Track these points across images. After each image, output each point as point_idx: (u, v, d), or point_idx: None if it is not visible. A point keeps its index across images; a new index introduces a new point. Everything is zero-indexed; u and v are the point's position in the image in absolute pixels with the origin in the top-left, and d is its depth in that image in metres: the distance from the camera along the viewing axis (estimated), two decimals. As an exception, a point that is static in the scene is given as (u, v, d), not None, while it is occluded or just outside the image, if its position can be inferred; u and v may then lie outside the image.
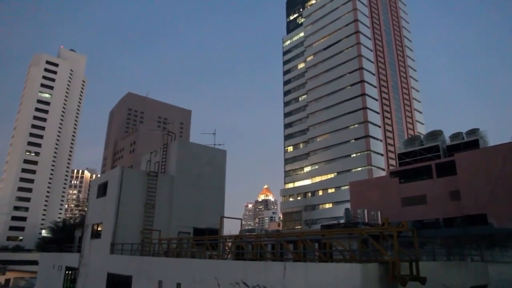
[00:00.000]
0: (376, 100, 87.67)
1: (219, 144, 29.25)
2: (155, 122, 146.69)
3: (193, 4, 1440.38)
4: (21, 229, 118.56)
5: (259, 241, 14.65)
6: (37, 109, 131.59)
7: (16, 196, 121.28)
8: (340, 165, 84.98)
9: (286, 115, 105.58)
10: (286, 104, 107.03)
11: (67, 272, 29.08)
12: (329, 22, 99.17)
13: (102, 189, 25.39)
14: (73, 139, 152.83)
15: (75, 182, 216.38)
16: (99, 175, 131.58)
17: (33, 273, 61.93)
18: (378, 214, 42.56)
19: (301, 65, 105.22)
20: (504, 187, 37.44)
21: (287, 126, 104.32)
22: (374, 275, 9.57)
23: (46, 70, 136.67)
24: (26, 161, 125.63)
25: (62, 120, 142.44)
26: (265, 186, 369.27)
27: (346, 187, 68.02)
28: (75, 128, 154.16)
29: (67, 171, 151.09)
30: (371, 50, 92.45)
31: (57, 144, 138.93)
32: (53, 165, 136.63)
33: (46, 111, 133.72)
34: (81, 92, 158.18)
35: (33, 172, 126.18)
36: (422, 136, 58.17)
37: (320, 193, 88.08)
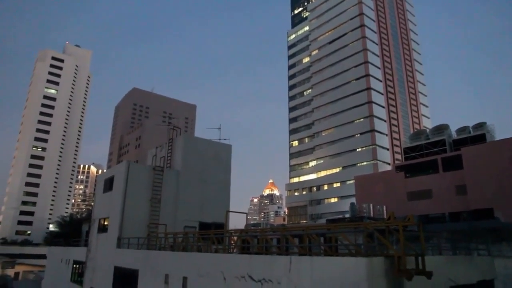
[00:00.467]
0: (382, 94, 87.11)
1: (224, 139, 29.24)
2: (160, 117, 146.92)
3: (198, 0, 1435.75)
4: (29, 223, 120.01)
5: (265, 235, 14.68)
6: (43, 105, 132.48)
7: (24, 191, 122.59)
8: (345, 159, 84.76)
9: (291, 109, 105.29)
10: (291, 98, 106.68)
11: (74, 265, 29.40)
12: (334, 15, 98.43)
13: (109, 184, 25.54)
14: (79, 134, 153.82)
15: (82, 177, 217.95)
16: (105, 170, 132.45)
17: (41, 266, 62.75)
18: (384, 209, 42.39)
19: (306, 59, 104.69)
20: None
21: (292, 120, 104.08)
22: (379, 269, 9.56)
23: (51, 66, 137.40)
24: (33, 157, 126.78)
25: (68, 115, 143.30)
26: (270, 181, 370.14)
27: (352, 181, 67.86)
28: (81, 124, 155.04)
29: (73, 166, 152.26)
30: (377, 44, 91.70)
31: (63, 140, 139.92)
32: (59, 160, 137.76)
33: (52, 107, 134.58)
34: (87, 87, 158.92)
35: (40, 167, 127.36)
36: (428, 130, 57.81)
37: (326, 187, 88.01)
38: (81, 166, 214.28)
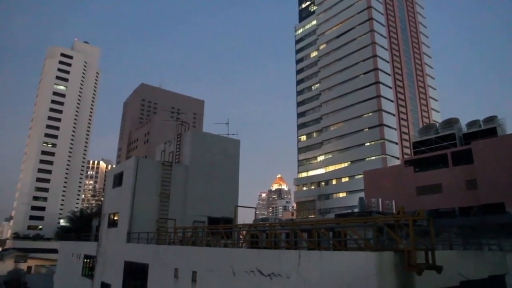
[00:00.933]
0: (390, 88, 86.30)
1: (233, 134, 29.27)
2: (168, 112, 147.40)
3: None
4: (41, 218, 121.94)
5: (274, 230, 14.70)
6: (53, 101, 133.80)
7: (35, 187, 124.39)
8: (354, 154, 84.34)
9: (299, 104, 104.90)
10: (299, 93, 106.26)
11: (85, 260, 29.76)
12: (342, 9, 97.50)
13: (118, 179, 25.74)
14: (88, 130, 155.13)
15: (91, 172, 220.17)
16: (114, 166, 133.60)
17: (53, 261, 63.72)
18: (393, 203, 42.09)
19: (314, 54, 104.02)
20: (523, 175, 36.65)
21: (300, 115, 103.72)
22: (389, 264, 9.52)
23: (61, 62, 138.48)
24: (43, 153, 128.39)
25: (77, 111, 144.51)
26: (279, 176, 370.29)
27: (360, 176, 67.57)
28: (90, 120, 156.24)
29: (83, 162, 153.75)
30: (385, 37, 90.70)
31: (73, 136, 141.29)
32: (69, 156, 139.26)
33: (61, 103, 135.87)
34: (95, 83, 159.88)
35: (51, 163, 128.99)
36: (437, 124, 57.11)
37: (334, 182, 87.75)
38: (91, 161, 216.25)
